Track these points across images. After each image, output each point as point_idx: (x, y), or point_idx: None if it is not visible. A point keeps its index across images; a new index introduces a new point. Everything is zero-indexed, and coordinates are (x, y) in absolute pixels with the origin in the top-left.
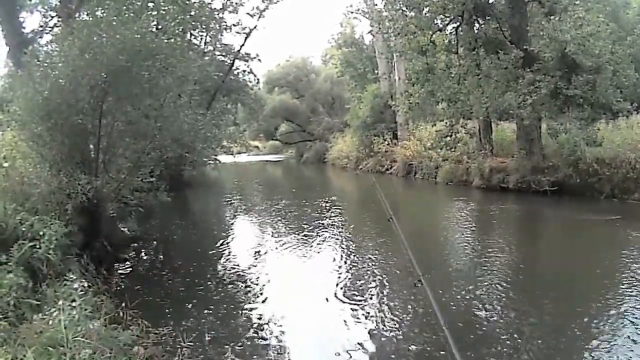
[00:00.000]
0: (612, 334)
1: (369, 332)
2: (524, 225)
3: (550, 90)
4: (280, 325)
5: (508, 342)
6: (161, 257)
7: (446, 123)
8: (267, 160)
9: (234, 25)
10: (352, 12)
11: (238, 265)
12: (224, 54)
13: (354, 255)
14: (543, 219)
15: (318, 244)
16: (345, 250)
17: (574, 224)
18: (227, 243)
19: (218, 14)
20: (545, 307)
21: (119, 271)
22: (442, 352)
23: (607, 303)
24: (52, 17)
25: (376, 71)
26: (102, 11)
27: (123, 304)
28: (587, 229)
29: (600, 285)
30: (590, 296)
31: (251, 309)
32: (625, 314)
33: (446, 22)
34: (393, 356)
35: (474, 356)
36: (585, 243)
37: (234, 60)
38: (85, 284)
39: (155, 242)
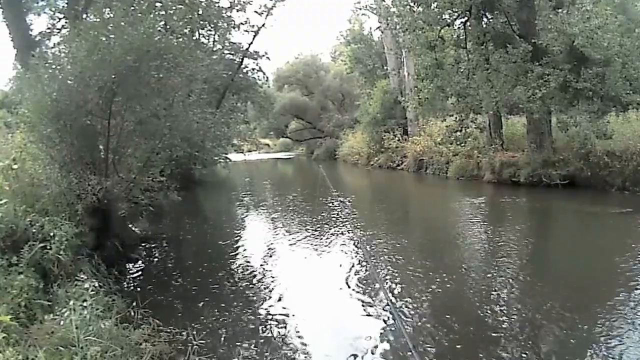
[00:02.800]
0: (627, 328)
1: (382, 329)
2: (536, 218)
3: (560, 83)
4: (292, 323)
5: (521, 333)
6: (172, 256)
7: (456, 118)
8: (277, 158)
9: (242, 23)
10: (360, 9)
11: (249, 264)
12: (232, 52)
13: (365, 251)
14: (555, 213)
15: (330, 241)
16: (356, 247)
17: (585, 217)
18: (238, 241)
19: (226, 13)
20: (557, 298)
21: (130, 271)
22: None
23: (620, 295)
24: (60, 19)
25: (385, 67)
26: (110, 12)
27: (134, 303)
28: (599, 222)
29: (614, 278)
30: (603, 288)
31: (262, 307)
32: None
33: (454, 17)
34: (408, 353)
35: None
36: (598, 236)
37: (242, 59)
38: (97, 284)
39: (166, 242)
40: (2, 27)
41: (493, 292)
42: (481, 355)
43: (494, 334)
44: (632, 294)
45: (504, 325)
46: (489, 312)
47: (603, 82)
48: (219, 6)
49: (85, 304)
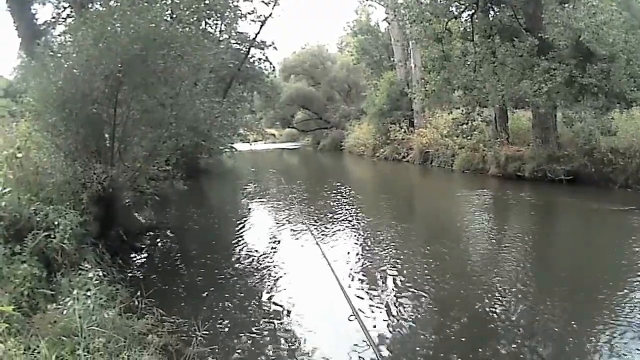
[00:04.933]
0: (628, 325)
1: (385, 322)
2: (538, 214)
3: (565, 78)
4: (296, 314)
5: (521, 331)
6: (177, 245)
7: (462, 111)
8: (283, 148)
9: (248, 13)
10: None
11: (254, 254)
12: (239, 42)
13: (368, 244)
14: (557, 208)
15: (333, 231)
16: (359, 239)
17: (589, 213)
18: (243, 231)
19: (232, 2)
20: (559, 295)
21: (135, 260)
22: None
23: (621, 293)
24: (65, 8)
25: (392, 59)
26: (116, 1)
27: (138, 293)
28: (602, 219)
29: (615, 275)
30: (604, 286)
31: (267, 298)
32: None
33: (461, 10)
34: (408, 346)
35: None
36: (599, 233)
37: (249, 48)
38: (101, 273)
39: (171, 231)
40: (7, 16)
41: (488, 285)
42: (476, 348)
43: (489, 328)
44: (631, 292)
45: (499, 319)
46: (484, 304)
47: (608, 79)
48: None
49: (88, 293)
